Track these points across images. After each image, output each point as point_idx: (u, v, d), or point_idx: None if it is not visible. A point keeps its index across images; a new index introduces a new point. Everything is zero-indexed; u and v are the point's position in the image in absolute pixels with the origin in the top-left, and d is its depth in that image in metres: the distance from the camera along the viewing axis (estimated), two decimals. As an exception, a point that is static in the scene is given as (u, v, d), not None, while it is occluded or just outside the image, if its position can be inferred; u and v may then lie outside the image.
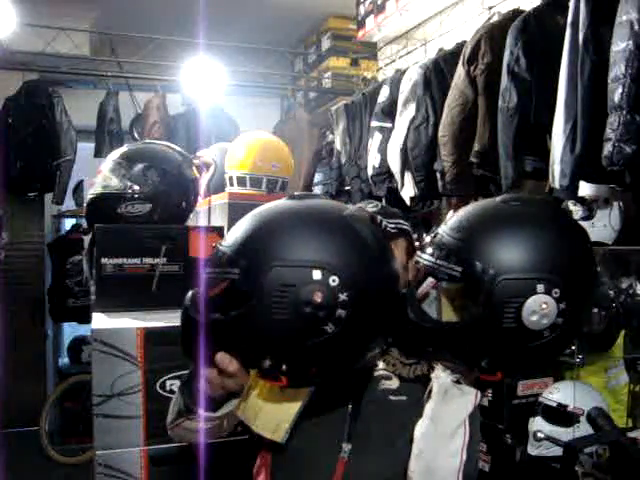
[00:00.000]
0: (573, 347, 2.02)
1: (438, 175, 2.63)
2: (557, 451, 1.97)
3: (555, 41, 2.00)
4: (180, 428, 1.09)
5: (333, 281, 0.84)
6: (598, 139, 1.76)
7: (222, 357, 0.91)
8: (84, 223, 2.89)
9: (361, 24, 3.71)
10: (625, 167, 1.72)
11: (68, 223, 4.82)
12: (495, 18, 2.44)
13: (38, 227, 4.50)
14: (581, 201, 2.05)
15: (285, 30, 4.58)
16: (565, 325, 0.90)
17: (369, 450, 1.06)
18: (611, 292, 2.05)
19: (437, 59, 2.73)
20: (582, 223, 2.01)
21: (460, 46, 2.57)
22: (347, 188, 3.46)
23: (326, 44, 4.58)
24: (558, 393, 2.05)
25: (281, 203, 0.94)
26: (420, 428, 1.03)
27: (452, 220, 0.99)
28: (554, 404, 2.03)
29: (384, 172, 2.98)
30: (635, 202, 2.09)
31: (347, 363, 0.93)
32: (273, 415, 1.06)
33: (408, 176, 2.84)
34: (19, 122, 3.96)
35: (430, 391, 1.04)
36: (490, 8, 2.62)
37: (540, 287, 0.88)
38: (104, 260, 1.75)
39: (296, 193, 0.98)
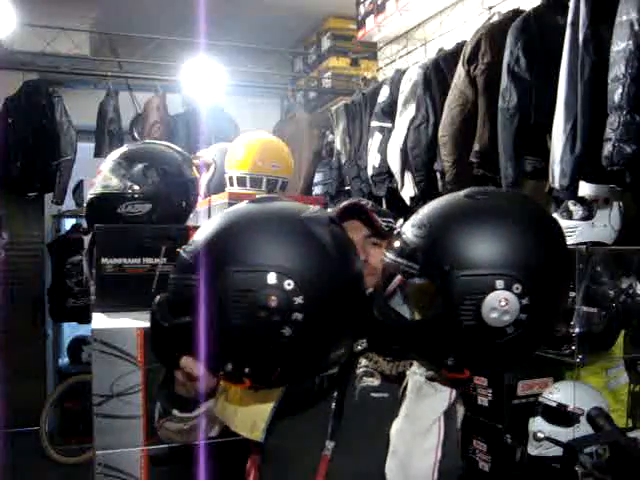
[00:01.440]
0: (573, 347, 2.03)
1: (438, 175, 2.63)
2: (557, 451, 1.97)
3: (555, 41, 2.00)
4: (163, 429, 1.10)
5: (288, 285, 0.84)
6: (598, 139, 1.76)
7: (186, 361, 0.92)
8: (84, 223, 2.89)
9: (361, 24, 3.71)
10: (625, 167, 1.72)
11: (68, 223, 4.82)
12: (495, 18, 2.44)
13: (38, 227, 4.50)
14: (581, 201, 2.05)
15: (285, 30, 4.58)
16: (530, 321, 0.88)
17: (352, 448, 1.06)
18: (611, 292, 2.06)
19: (437, 59, 2.73)
20: (582, 223, 2.04)
21: (460, 46, 2.57)
22: (347, 188, 3.46)
23: (326, 44, 4.58)
24: (558, 393, 2.05)
25: (241, 207, 0.95)
26: (395, 425, 1.03)
27: (414, 216, 0.97)
28: (554, 404, 2.03)
29: (384, 172, 2.98)
30: (635, 202, 2.10)
31: (310, 364, 0.94)
32: (249, 415, 1.09)
33: (408, 176, 2.84)
34: (19, 122, 3.96)
35: (405, 388, 1.05)
36: (490, 8, 2.62)
37: (500, 283, 0.86)
38: (104, 260, 1.75)
39: (257, 196, 0.98)
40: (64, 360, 4.68)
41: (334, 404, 1.09)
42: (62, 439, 4.07)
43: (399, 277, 0.95)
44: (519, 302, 0.86)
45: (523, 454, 2.14)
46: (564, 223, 2.06)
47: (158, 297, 0.95)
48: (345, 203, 1.27)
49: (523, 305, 0.86)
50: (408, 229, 0.94)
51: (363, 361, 1.12)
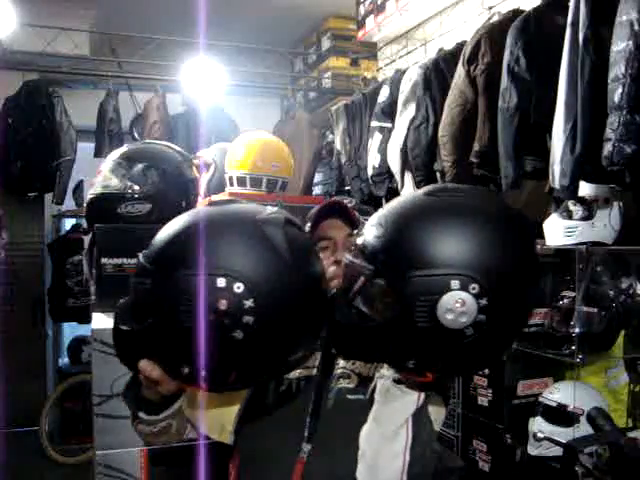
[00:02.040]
0: (573, 347, 2.03)
1: (438, 175, 2.63)
2: (557, 451, 1.97)
3: (555, 41, 2.00)
4: (137, 431, 1.09)
5: (238, 288, 0.84)
6: (598, 139, 1.76)
7: (144, 365, 0.93)
8: (84, 223, 2.88)
9: (361, 24, 3.71)
10: (625, 167, 1.72)
11: (68, 223, 4.82)
12: (495, 18, 2.43)
13: (38, 227, 4.50)
14: (581, 201, 2.05)
15: (285, 30, 4.58)
16: (491, 323, 0.84)
17: (328, 450, 1.05)
18: (611, 292, 2.06)
19: (437, 59, 2.73)
20: (582, 223, 2.04)
21: (460, 46, 2.57)
22: (347, 188, 3.46)
23: (326, 44, 4.58)
24: (558, 393, 2.06)
25: (198, 210, 0.95)
26: (364, 428, 1.02)
27: (374, 215, 0.95)
28: (554, 404, 2.03)
29: (384, 172, 2.98)
30: (635, 202, 2.10)
31: (267, 367, 0.93)
32: (217, 417, 1.10)
33: (408, 176, 2.84)
34: (19, 122, 3.96)
35: (374, 390, 1.04)
36: (490, 8, 2.62)
37: (455, 283, 0.83)
38: (104, 260, 1.76)
39: (216, 199, 0.98)
40: (64, 360, 4.68)
41: (311, 406, 1.08)
42: (62, 439, 4.07)
43: (362, 277, 0.93)
44: (477, 303, 0.83)
45: (523, 454, 2.15)
46: (564, 223, 2.07)
47: (121, 300, 0.97)
48: (326, 202, 1.26)
49: (481, 306, 0.83)
50: (367, 229, 0.92)
51: (341, 362, 1.12)
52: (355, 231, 1.00)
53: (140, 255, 0.92)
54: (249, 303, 0.84)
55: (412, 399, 1.00)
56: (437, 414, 1.09)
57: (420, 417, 1.03)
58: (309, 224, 1.23)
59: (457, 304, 0.82)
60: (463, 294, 0.83)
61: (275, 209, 0.97)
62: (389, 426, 1.00)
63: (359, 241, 0.92)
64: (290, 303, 0.89)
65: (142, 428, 1.06)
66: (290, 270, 0.89)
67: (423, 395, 1.02)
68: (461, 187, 0.95)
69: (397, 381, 1.01)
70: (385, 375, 1.02)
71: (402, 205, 0.92)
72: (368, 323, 0.90)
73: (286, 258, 0.89)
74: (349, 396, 1.08)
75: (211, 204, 0.97)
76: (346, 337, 0.96)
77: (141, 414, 1.03)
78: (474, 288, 0.83)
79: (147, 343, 0.91)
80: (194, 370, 0.88)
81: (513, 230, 0.90)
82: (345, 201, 1.25)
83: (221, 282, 0.83)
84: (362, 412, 1.05)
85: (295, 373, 1.11)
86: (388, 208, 0.93)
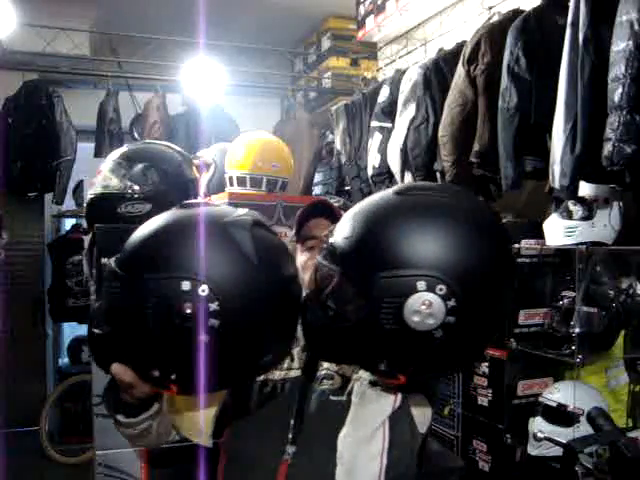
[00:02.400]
0: (573, 347, 2.03)
1: (438, 175, 2.63)
2: (557, 451, 1.97)
3: (555, 41, 2.00)
4: (120, 432, 1.09)
5: (203, 291, 0.83)
6: (598, 139, 1.76)
7: (116, 368, 0.93)
8: (84, 223, 2.88)
9: (361, 24, 3.71)
10: (625, 167, 1.72)
11: (68, 223, 4.82)
12: (495, 18, 2.43)
13: (38, 227, 4.50)
14: (581, 201, 2.05)
15: (285, 30, 4.57)
16: (461, 325, 0.82)
17: (312, 452, 1.05)
18: (611, 292, 2.06)
19: (437, 59, 2.73)
20: (582, 223, 2.04)
21: (460, 46, 2.57)
22: (347, 188, 3.46)
23: (326, 44, 4.58)
24: (558, 393, 2.05)
25: (166, 214, 0.94)
26: (342, 431, 1.02)
27: (344, 216, 0.93)
28: (554, 404, 2.03)
29: (384, 172, 2.98)
30: (635, 202, 2.09)
31: (235, 370, 0.92)
32: (195, 420, 1.10)
33: (408, 176, 2.84)
34: (19, 122, 3.96)
35: (350, 392, 1.04)
36: (490, 8, 2.62)
37: (421, 284, 0.81)
38: (104, 260, 1.75)
39: (184, 202, 0.98)
40: (64, 360, 4.68)
41: (295, 408, 1.08)
42: (62, 439, 4.07)
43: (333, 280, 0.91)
44: (444, 304, 0.81)
45: (523, 454, 2.15)
46: (564, 223, 2.06)
47: (95, 304, 0.97)
48: (311, 201, 1.25)
49: (449, 308, 0.81)
50: (337, 229, 0.91)
51: (325, 364, 1.11)
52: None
53: (112, 259, 0.92)
54: (214, 306, 0.83)
55: (388, 401, 0.99)
56: (421, 416, 1.08)
57: (399, 420, 1.02)
58: (295, 224, 1.23)
59: (423, 306, 0.80)
60: (430, 295, 0.81)
61: (245, 211, 0.96)
62: (365, 429, 1.00)
63: (329, 241, 0.91)
64: (257, 305, 0.88)
65: (123, 430, 1.06)
66: (257, 272, 0.88)
67: (400, 397, 1.01)
68: (433, 185, 0.94)
69: (373, 383, 1.00)
70: (362, 377, 1.01)
71: (371, 204, 0.90)
72: (338, 325, 0.89)
73: (252, 260, 0.88)
74: (332, 397, 1.08)
75: (180, 207, 0.96)
76: (318, 339, 0.95)
77: (119, 417, 1.03)
78: (441, 289, 0.81)
79: (118, 347, 0.91)
80: (164, 373, 0.88)
81: (485, 229, 0.88)
82: (332, 200, 1.24)
83: (186, 285, 0.83)
84: (345, 413, 1.05)
85: (280, 374, 1.11)
86: (358, 207, 0.91)
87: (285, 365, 1.11)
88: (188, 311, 0.83)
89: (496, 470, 2.33)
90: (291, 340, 0.99)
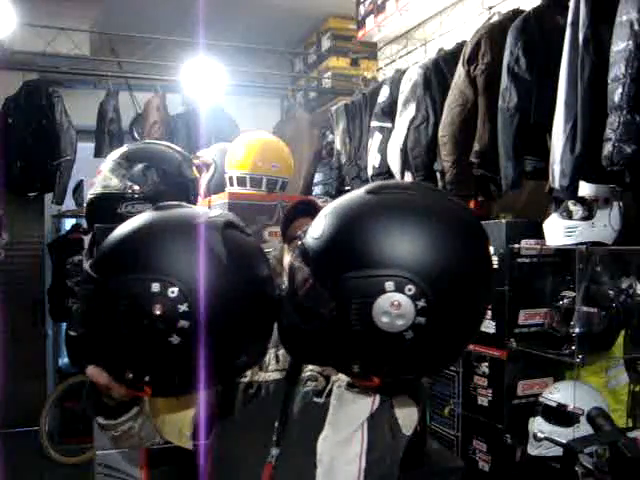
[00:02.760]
0: (573, 347, 2.03)
1: (438, 175, 2.63)
2: (557, 451, 1.97)
3: (555, 41, 2.00)
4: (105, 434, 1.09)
5: (172, 292, 0.83)
6: (598, 139, 1.76)
7: (91, 370, 0.93)
8: (84, 223, 2.88)
9: (361, 24, 3.71)
10: (625, 167, 1.72)
11: (68, 223, 4.82)
12: (495, 18, 2.43)
13: (38, 227, 4.50)
14: (581, 201, 2.05)
15: (285, 30, 4.58)
16: (432, 326, 0.80)
17: (295, 454, 1.04)
18: (611, 292, 2.06)
19: (437, 59, 2.73)
20: (582, 223, 2.04)
21: (460, 46, 2.57)
22: (347, 188, 3.46)
23: (326, 44, 4.58)
24: (558, 393, 2.05)
25: (139, 216, 0.94)
26: (322, 433, 1.01)
27: (317, 215, 0.92)
28: (554, 404, 2.03)
29: (384, 172, 2.98)
30: (635, 202, 2.09)
31: (210, 372, 0.91)
32: (174, 422, 1.10)
33: (408, 176, 2.84)
34: (19, 122, 3.96)
35: (328, 394, 1.03)
36: (490, 8, 2.62)
37: (389, 285, 0.79)
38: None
39: (161, 204, 0.97)
40: (64, 360, 4.68)
41: (279, 410, 1.07)
42: (62, 439, 4.07)
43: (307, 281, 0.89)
44: (414, 305, 0.79)
45: (523, 454, 2.15)
46: (564, 223, 2.06)
47: (74, 306, 0.97)
48: (297, 201, 1.25)
49: (419, 308, 0.79)
50: (309, 229, 0.90)
51: (309, 365, 1.10)
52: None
53: (88, 262, 0.93)
54: (183, 307, 0.83)
55: (366, 403, 0.99)
56: (406, 417, 1.07)
57: (378, 421, 1.01)
58: (281, 224, 1.22)
59: (392, 307, 0.79)
60: (398, 296, 0.79)
61: (219, 212, 0.96)
62: (343, 431, 0.99)
63: (302, 242, 0.90)
64: (228, 306, 0.87)
65: (106, 433, 1.05)
66: (228, 273, 0.88)
67: (378, 399, 0.99)
68: (405, 184, 0.93)
69: (350, 385, 0.99)
70: (340, 379, 1.01)
71: (342, 204, 0.89)
72: (310, 326, 0.88)
73: (223, 261, 0.87)
74: (315, 399, 1.07)
75: (155, 208, 0.96)
76: (292, 340, 0.95)
77: (99, 419, 1.02)
78: (410, 290, 0.79)
79: (92, 349, 0.91)
80: (137, 375, 0.88)
81: (457, 228, 0.86)
82: (320, 200, 1.24)
83: (155, 287, 0.83)
84: (326, 415, 1.04)
85: (264, 376, 1.10)
86: (329, 207, 0.90)
87: (270, 367, 1.11)
88: (158, 312, 0.82)
89: (496, 470, 2.33)
90: (267, 341, 0.99)
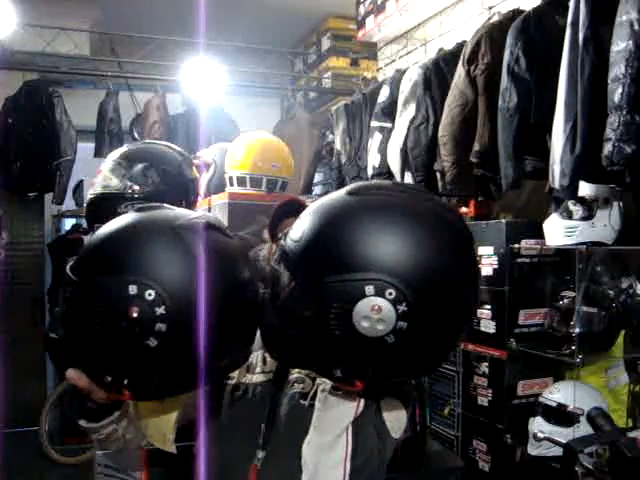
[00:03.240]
0: (573, 347, 2.03)
1: (438, 175, 2.63)
2: (557, 451, 1.97)
3: (555, 41, 2.00)
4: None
5: (149, 295, 0.82)
6: (598, 139, 1.76)
7: (70, 373, 0.92)
8: (84, 223, 2.88)
9: (361, 24, 3.71)
10: (625, 167, 1.72)
11: (68, 223, 4.82)
12: (495, 18, 2.44)
13: (38, 227, 4.50)
14: (581, 201, 2.05)
15: (285, 30, 4.58)
16: (414, 330, 0.79)
17: (281, 457, 1.03)
18: (611, 292, 2.06)
19: (437, 59, 2.73)
20: (582, 223, 2.04)
21: (460, 46, 2.57)
22: (347, 188, 3.46)
23: (326, 44, 4.58)
24: (558, 393, 2.06)
25: (119, 218, 0.93)
26: (307, 437, 1.00)
27: (297, 219, 0.90)
28: (554, 404, 2.03)
29: (384, 172, 2.98)
30: (635, 202, 2.09)
31: (189, 375, 0.90)
32: (158, 426, 1.08)
33: (408, 176, 2.84)
34: (19, 122, 3.96)
35: (314, 396, 1.02)
36: (490, 8, 2.62)
37: (369, 289, 0.77)
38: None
39: (142, 205, 0.96)
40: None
41: (266, 412, 1.06)
42: (62, 439, 4.07)
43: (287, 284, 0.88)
44: (394, 309, 0.78)
45: (523, 454, 2.15)
46: (564, 223, 2.07)
47: (56, 309, 0.97)
48: (284, 201, 1.23)
49: (400, 313, 0.78)
50: (289, 232, 0.88)
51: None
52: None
53: (69, 264, 0.92)
54: (161, 310, 0.82)
55: (350, 407, 0.97)
56: (395, 420, 1.06)
57: (363, 425, 1.00)
58: (269, 224, 1.21)
59: (373, 311, 0.77)
60: (379, 300, 0.77)
61: (200, 214, 0.95)
62: (328, 435, 0.98)
63: (282, 245, 0.89)
64: (207, 309, 0.86)
65: (92, 436, 1.04)
66: (207, 276, 0.86)
67: (362, 403, 0.98)
68: (386, 185, 0.90)
69: (334, 388, 0.98)
70: (325, 382, 0.99)
71: (322, 206, 0.87)
72: (291, 331, 0.86)
73: (203, 263, 0.87)
74: (302, 401, 1.06)
75: (136, 210, 0.95)
76: (274, 344, 0.94)
77: (81, 422, 1.01)
78: (391, 293, 0.77)
79: (72, 351, 0.90)
80: (116, 379, 0.87)
81: (439, 230, 0.83)
82: (309, 201, 1.22)
83: (132, 289, 0.82)
84: (311, 418, 1.03)
85: (251, 378, 1.10)
86: (310, 209, 0.88)
87: (257, 369, 1.10)
88: (135, 315, 0.82)
89: (496, 470, 2.33)
90: (250, 343, 0.98)
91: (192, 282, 0.85)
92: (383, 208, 0.83)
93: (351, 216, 0.82)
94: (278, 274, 0.88)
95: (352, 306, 0.78)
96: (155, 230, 0.89)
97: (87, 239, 2.12)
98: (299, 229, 0.86)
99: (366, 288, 0.78)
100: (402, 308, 0.78)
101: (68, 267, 0.90)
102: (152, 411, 1.08)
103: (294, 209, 1.18)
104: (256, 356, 1.10)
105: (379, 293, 0.78)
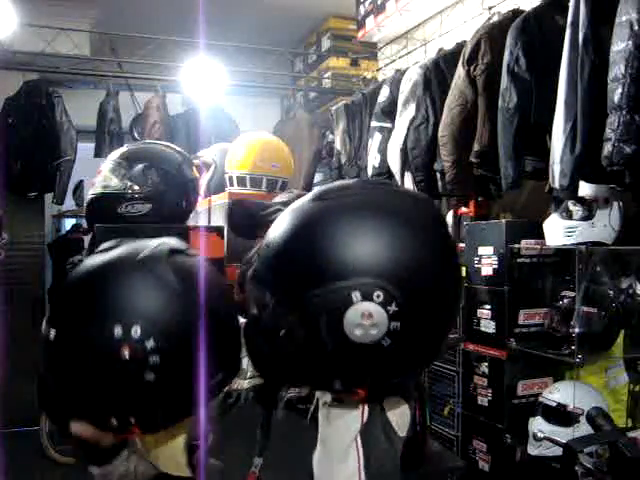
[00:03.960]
0: (573, 347, 2.03)
1: (438, 175, 2.64)
2: (557, 451, 1.97)
3: (555, 41, 2.00)
4: None
5: (135, 332, 0.82)
6: (598, 139, 1.76)
7: (75, 427, 0.91)
8: (84, 223, 2.88)
9: (361, 24, 3.71)
10: (625, 167, 1.72)
11: (68, 223, 4.82)
12: (495, 18, 2.44)
13: (38, 227, 4.49)
14: (581, 201, 2.05)
15: (285, 30, 4.58)
16: (408, 328, 0.76)
17: (279, 464, 1.01)
18: (611, 292, 2.05)
19: (437, 59, 2.74)
20: (582, 223, 2.04)
21: (460, 46, 2.57)
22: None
23: (326, 44, 4.59)
24: (558, 393, 2.05)
25: (85, 263, 0.93)
26: (315, 453, 0.97)
27: (266, 236, 0.86)
28: (554, 404, 2.03)
29: (384, 172, 2.98)
30: (635, 202, 2.09)
31: (191, 398, 0.90)
32: (167, 455, 1.07)
33: (408, 176, 2.84)
34: (19, 122, 3.96)
35: (316, 410, 0.99)
36: (490, 8, 2.62)
37: (356, 295, 0.74)
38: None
39: (102, 246, 0.96)
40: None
41: (262, 418, 1.05)
42: (62, 439, 4.06)
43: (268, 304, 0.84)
44: (385, 311, 0.75)
45: (523, 454, 2.15)
46: (564, 223, 2.07)
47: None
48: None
49: (392, 313, 0.75)
50: (261, 249, 0.85)
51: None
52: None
53: (44, 321, 0.91)
54: (151, 343, 0.82)
55: (355, 416, 0.95)
56: (399, 417, 1.03)
57: (371, 432, 0.98)
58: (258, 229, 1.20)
59: (364, 317, 0.74)
60: (368, 305, 0.74)
61: (160, 241, 0.95)
62: (337, 447, 0.95)
63: (255, 264, 0.86)
64: (191, 331, 0.86)
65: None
66: (182, 300, 0.87)
67: (367, 410, 0.95)
68: (351, 184, 0.87)
69: (335, 400, 0.95)
70: (325, 394, 0.97)
71: (288, 217, 0.83)
72: (280, 351, 0.83)
73: (178, 290, 0.87)
74: (299, 405, 1.04)
75: (99, 252, 0.95)
76: (264, 366, 0.91)
77: (92, 469, 1.00)
78: (379, 296, 0.74)
79: (69, 403, 0.90)
80: (121, 420, 0.87)
81: (413, 221, 0.80)
82: (289, 195, 1.20)
83: (118, 331, 0.82)
84: (313, 423, 1.00)
85: (243, 384, 1.09)
86: (276, 223, 0.84)
87: (249, 374, 1.09)
88: (127, 355, 0.82)
89: (496, 470, 2.33)
90: (239, 352, 0.97)
91: (172, 309, 0.86)
92: (352, 209, 0.79)
93: (323, 223, 0.78)
94: (254, 294, 0.85)
95: (341, 316, 0.75)
96: (122, 268, 0.89)
97: (87, 239, 2.12)
98: (267, 246, 0.83)
99: (353, 295, 0.74)
100: (392, 308, 0.75)
101: (44, 322, 0.89)
102: (159, 441, 1.07)
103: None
104: (247, 361, 1.10)
105: (367, 298, 0.74)
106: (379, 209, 0.80)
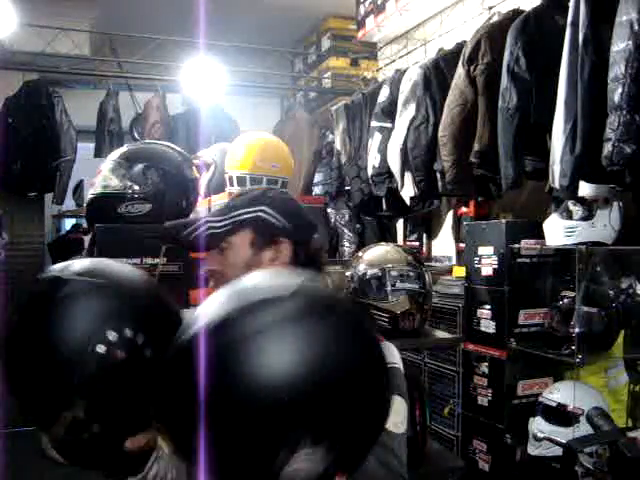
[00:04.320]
0: (573, 347, 2.03)
1: (438, 175, 2.64)
2: (557, 451, 1.97)
3: (555, 41, 2.00)
4: None
5: (113, 337, 0.85)
6: (598, 139, 1.76)
7: (132, 444, 0.95)
8: (84, 223, 2.88)
9: (361, 24, 3.71)
10: (625, 167, 1.72)
11: (68, 223, 4.83)
12: (495, 18, 2.44)
13: (38, 227, 4.49)
14: (581, 201, 2.05)
15: (285, 30, 4.58)
16: (344, 450, 0.67)
17: None
18: (611, 292, 2.05)
19: (437, 59, 2.74)
20: (582, 223, 2.04)
21: (460, 46, 2.57)
22: (347, 188, 3.47)
23: (326, 44, 4.58)
24: (558, 393, 2.05)
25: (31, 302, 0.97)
26: None
27: None
28: (554, 404, 2.03)
29: (384, 172, 2.98)
30: (635, 202, 2.09)
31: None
32: None
33: (408, 176, 2.84)
34: (19, 122, 3.96)
35: None
36: (490, 8, 2.62)
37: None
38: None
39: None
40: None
41: None
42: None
43: None
44: (315, 456, 0.65)
45: (523, 454, 2.15)
46: (564, 223, 2.07)
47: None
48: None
49: (324, 454, 0.65)
50: None
51: None
52: None
53: None
54: (141, 338, 0.85)
55: None
56: (395, 415, 0.97)
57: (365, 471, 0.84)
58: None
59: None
60: (296, 460, 0.63)
61: (73, 261, 0.97)
62: None
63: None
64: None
65: None
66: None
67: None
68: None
69: None
70: None
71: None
72: None
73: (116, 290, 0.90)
74: None
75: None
76: None
77: None
78: (305, 443, 0.63)
79: (108, 440, 0.93)
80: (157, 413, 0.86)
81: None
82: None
83: (112, 335, 0.84)
84: None
85: None
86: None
87: None
88: (123, 355, 0.85)
89: (496, 470, 2.33)
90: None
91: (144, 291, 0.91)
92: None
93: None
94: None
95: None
96: (59, 296, 0.90)
97: (87, 239, 2.12)
98: None
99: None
100: (322, 449, 0.64)
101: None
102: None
103: None
104: None
105: (292, 451, 0.63)
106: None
